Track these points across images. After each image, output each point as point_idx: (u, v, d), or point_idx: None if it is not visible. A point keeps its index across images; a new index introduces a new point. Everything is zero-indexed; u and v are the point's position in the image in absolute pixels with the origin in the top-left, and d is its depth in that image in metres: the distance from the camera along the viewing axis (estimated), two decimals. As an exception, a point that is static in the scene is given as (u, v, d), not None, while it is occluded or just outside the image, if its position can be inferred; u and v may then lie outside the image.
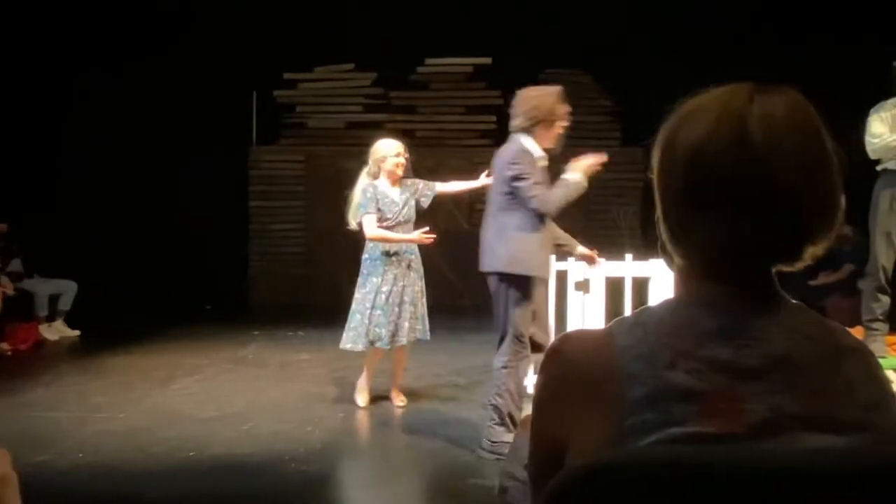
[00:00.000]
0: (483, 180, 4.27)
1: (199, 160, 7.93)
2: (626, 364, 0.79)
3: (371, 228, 3.99)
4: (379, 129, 8.85)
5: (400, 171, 4.15)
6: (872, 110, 3.82)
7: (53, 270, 6.58)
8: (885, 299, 3.82)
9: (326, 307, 7.95)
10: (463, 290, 8.46)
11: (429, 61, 8.59)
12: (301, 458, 3.41)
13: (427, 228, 4.01)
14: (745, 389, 0.76)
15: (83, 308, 6.54)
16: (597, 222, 8.41)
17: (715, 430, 0.74)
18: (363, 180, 4.16)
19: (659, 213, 0.86)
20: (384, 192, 4.08)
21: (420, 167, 8.55)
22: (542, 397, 0.86)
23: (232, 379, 4.96)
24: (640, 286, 4.42)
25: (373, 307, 4.00)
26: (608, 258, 4.45)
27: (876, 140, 3.72)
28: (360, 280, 4.13)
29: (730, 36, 7.11)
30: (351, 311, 4.09)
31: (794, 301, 0.84)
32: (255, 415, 4.07)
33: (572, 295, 4.42)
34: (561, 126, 3.30)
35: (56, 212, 7.65)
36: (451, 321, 7.23)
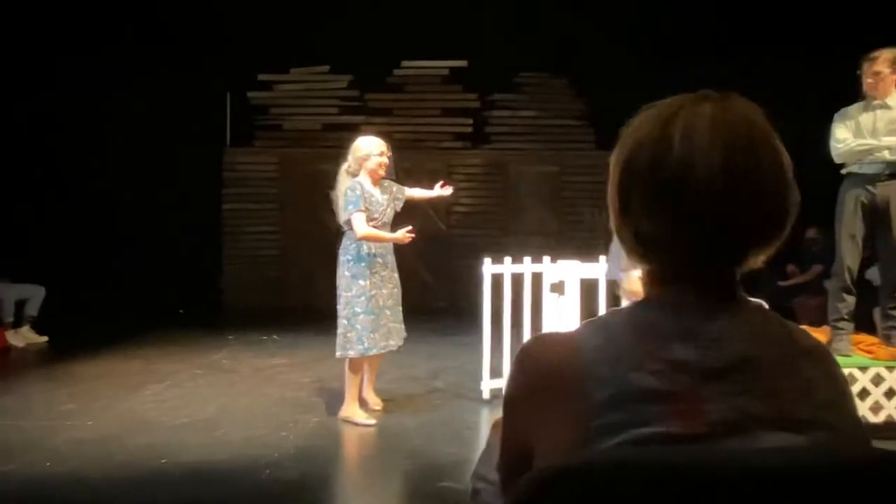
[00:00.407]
0: (438, 191, 4.25)
1: (172, 161, 7.83)
2: (592, 366, 0.80)
3: (362, 227, 3.81)
4: (355, 132, 8.84)
5: (383, 171, 4.01)
6: (836, 116, 3.91)
7: (20, 275, 6.42)
8: (851, 299, 3.90)
9: (301, 310, 7.92)
10: (439, 291, 8.46)
11: (405, 64, 8.59)
12: (275, 463, 3.37)
13: (410, 227, 3.93)
14: (708, 390, 0.77)
15: (51, 313, 6.40)
16: (570, 225, 8.48)
17: (679, 430, 0.76)
18: (345, 178, 4.01)
19: (611, 218, 0.89)
20: (369, 191, 3.95)
21: (397, 169, 8.62)
22: (511, 399, 0.88)
23: (204, 384, 4.89)
24: (614, 288, 4.46)
25: (364, 312, 3.86)
26: (582, 260, 4.48)
27: (840, 145, 3.81)
28: (343, 283, 3.95)
29: (705, 41, 7.22)
30: (342, 317, 3.93)
31: (754, 301, 0.87)
32: (227, 421, 4.02)
33: (547, 296, 4.44)
34: None
35: (23, 214, 7.48)
36: (427, 322, 7.22)
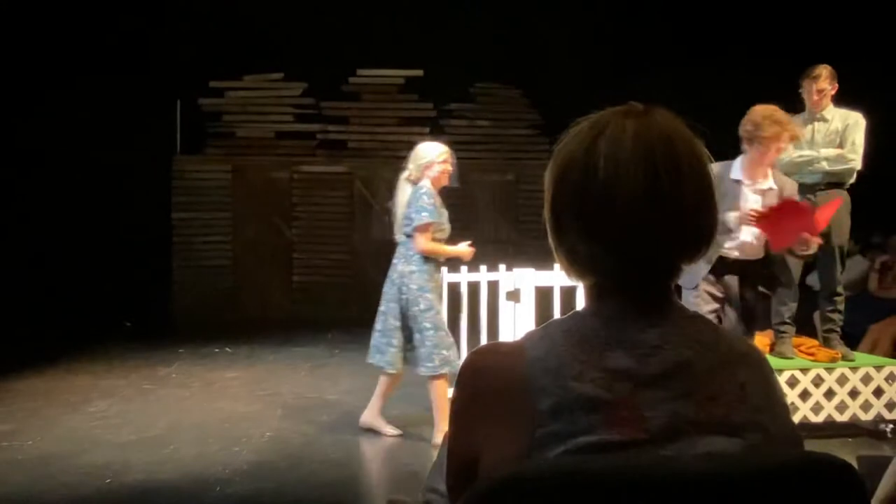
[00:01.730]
0: (463, 249, 3.92)
1: (118, 169, 7.59)
2: (534, 376, 0.81)
3: (426, 239, 3.58)
4: (310, 139, 8.78)
5: (446, 180, 3.73)
6: None
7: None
8: (792, 304, 4.04)
9: (255, 322, 7.77)
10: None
11: (360, 72, 8.56)
12: (226, 480, 3.28)
13: (470, 241, 3.76)
14: (647, 397, 0.79)
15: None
16: (527, 233, 8.57)
17: (619, 437, 0.77)
18: (407, 187, 3.72)
19: (549, 235, 0.91)
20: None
21: (354, 178, 8.58)
22: (457, 410, 0.88)
23: (153, 400, 4.73)
24: (569, 295, 4.52)
25: (435, 328, 3.62)
26: (538, 268, 4.53)
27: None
28: (409, 296, 3.64)
29: (657, 52, 7.42)
30: (421, 330, 3.63)
31: (690, 310, 0.89)
32: (176, 437, 3.89)
33: (503, 304, 4.47)
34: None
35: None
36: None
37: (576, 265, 0.88)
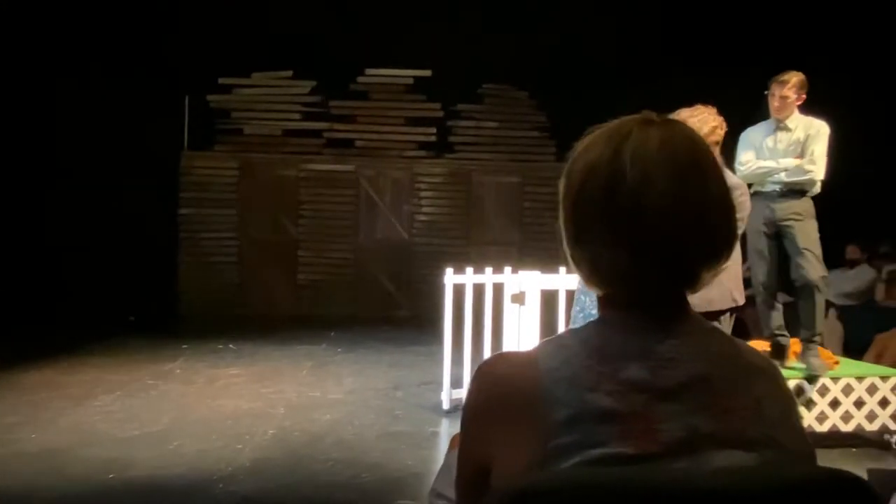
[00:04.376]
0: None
1: (127, 164, 7.62)
2: (550, 386, 0.81)
3: None
4: (317, 138, 8.79)
5: None
6: (742, 137, 4.01)
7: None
8: (774, 313, 3.97)
9: (260, 319, 7.78)
10: (400, 300, 8.43)
11: (369, 72, 8.57)
12: (228, 477, 3.29)
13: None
14: (662, 410, 0.79)
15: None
16: (532, 235, 8.56)
17: (633, 450, 0.77)
18: None
19: (564, 243, 0.90)
20: None
21: (360, 176, 8.59)
22: (470, 417, 0.88)
23: (156, 395, 4.75)
24: (574, 298, 4.51)
25: None
26: (543, 271, 4.52)
27: (743, 167, 3.94)
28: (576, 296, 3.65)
29: (664, 57, 7.40)
30: None
31: (707, 322, 0.89)
32: (180, 433, 3.90)
33: (508, 307, 4.46)
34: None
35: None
36: (389, 332, 7.19)
37: (598, 273, 0.87)
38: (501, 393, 0.84)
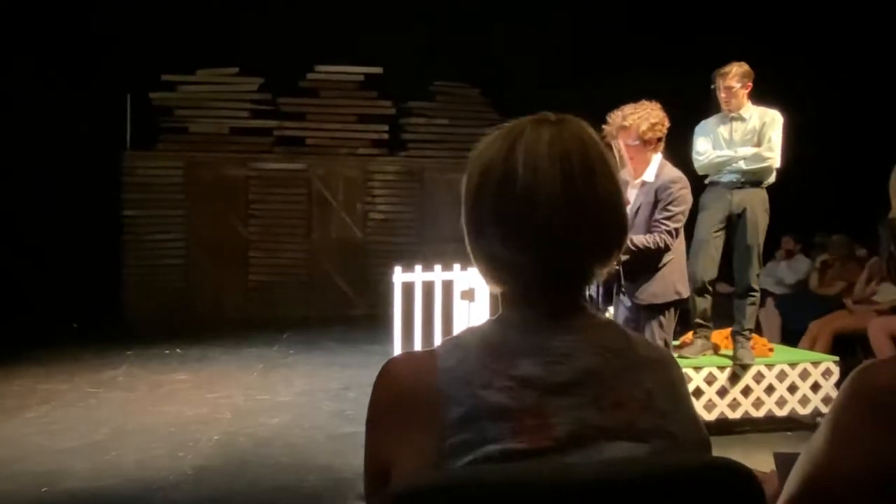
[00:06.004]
0: None
1: (66, 165, 7.32)
2: (445, 385, 0.82)
3: None
4: (267, 136, 8.61)
5: None
6: (697, 128, 4.10)
7: None
8: (701, 301, 3.95)
9: (208, 322, 7.58)
10: (355, 299, 8.34)
11: (318, 68, 8.44)
12: (170, 486, 3.19)
13: None
14: (553, 404, 0.80)
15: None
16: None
17: (525, 445, 0.78)
18: None
19: (466, 241, 0.91)
20: None
21: (312, 175, 8.46)
22: (371, 419, 0.89)
23: (96, 404, 4.57)
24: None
25: None
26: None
27: (701, 157, 4.02)
28: None
29: (617, 54, 7.49)
30: None
31: (601, 317, 0.91)
32: (119, 443, 3.76)
33: (458, 304, 4.46)
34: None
35: None
36: (342, 332, 7.10)
37: (495, 270, 0.89)
38: (400, 393, 0.85)
